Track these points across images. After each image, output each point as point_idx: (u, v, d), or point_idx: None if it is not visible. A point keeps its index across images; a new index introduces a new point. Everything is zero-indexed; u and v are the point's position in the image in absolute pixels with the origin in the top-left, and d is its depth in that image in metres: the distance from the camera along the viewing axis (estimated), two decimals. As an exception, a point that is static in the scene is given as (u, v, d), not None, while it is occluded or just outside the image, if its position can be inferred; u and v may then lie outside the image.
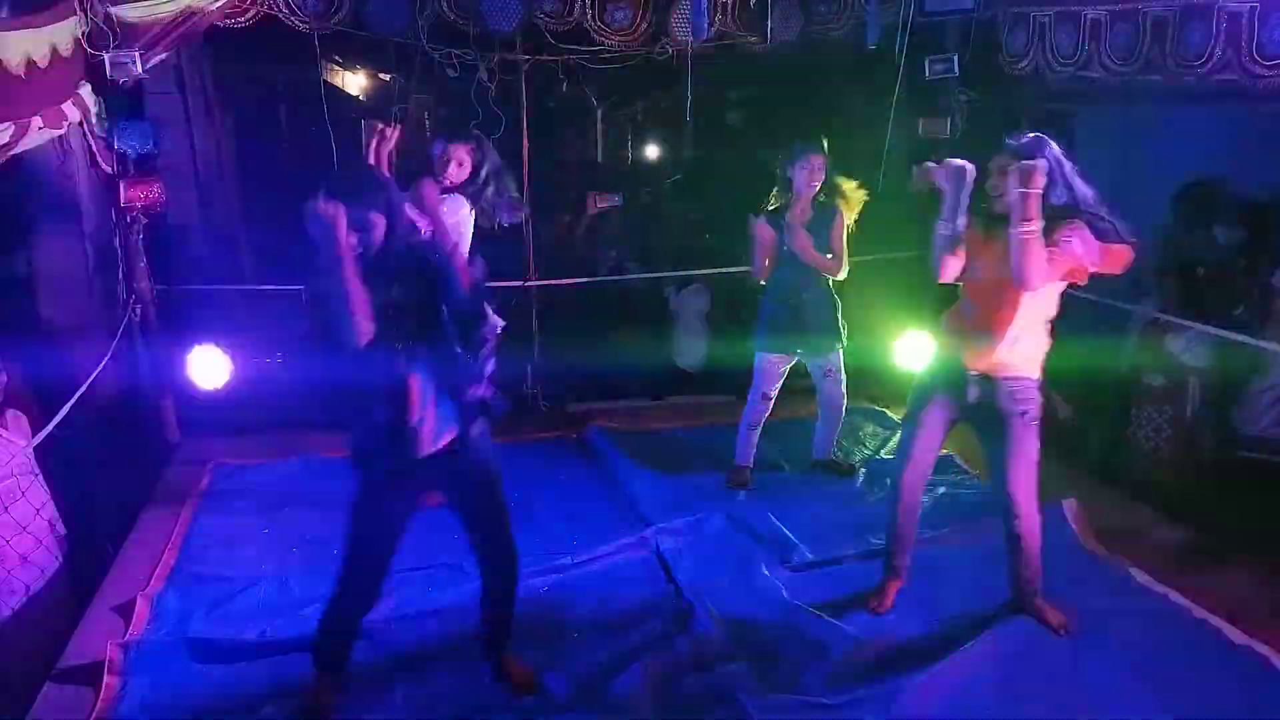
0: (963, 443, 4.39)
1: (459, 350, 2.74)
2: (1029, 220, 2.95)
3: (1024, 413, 3.19)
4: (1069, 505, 4.08)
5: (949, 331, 3.33)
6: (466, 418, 2.75)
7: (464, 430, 2.75)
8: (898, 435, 5.10)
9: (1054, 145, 3.08)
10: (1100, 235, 3.05)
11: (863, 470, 4.73)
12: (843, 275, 4.40)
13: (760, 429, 4.61)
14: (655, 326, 6.35)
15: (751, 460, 4.64)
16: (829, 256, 4.34)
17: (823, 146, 4.29)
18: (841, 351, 4.53)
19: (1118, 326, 5.39)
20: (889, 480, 3.66)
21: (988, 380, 3.20)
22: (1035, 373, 3.22)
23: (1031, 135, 3.09)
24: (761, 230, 4.39)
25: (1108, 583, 3.67)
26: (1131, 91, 4.75)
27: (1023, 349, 3.17)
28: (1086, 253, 3.04)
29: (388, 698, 3.04)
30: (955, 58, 5.19)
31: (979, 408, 3.25)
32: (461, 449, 2.76)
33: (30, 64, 3.34)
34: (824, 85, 6.53)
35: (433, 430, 2.70)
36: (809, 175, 4.25)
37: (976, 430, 3.40)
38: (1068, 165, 3.08)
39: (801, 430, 4.86)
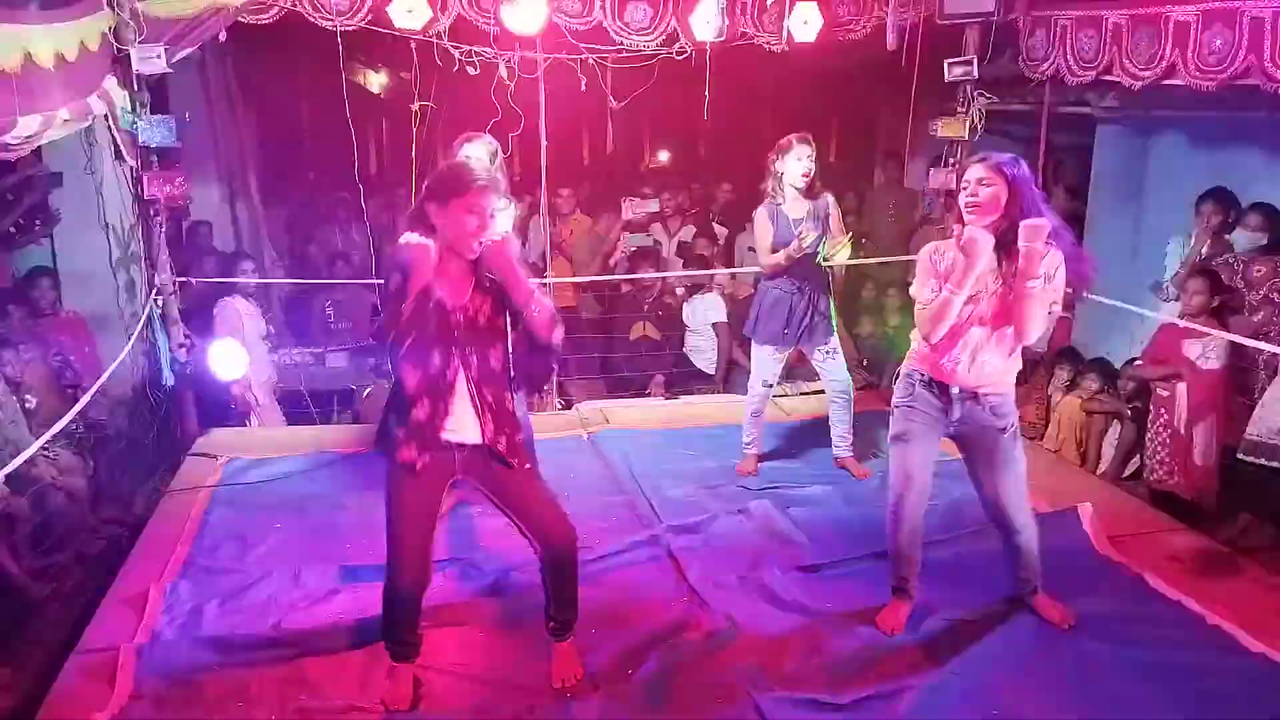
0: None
1: (513, 384, 2.82)
2: (1035, 276, 2.90)
3: (1006, 427, 3.16)
4: (1084, 510, 4.06)
5: (928, 351, 3.16)
6: (502, 438, 2.81)
7: (495, 445, 2.80)
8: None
9: (1024, 166, 3.01)
10: (1068, 258, 3.01)
11: (878, 474, 4.71)
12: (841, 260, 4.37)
13: (763, 415, 4.65)
14: (669, 325, 6.35)
15: (759, 448, 4.66)
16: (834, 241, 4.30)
17: (809, 139, 4.27)
18: (836, 334, 4.53)
19: (1134, 331, 5.37)
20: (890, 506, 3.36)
21: (972, 397, 3.15)
22: (1012, 387, 3.19)
23: (1009, 156, 3.00)
24: (761, 221, 4.33)
25: (1122, 588, 3.64)
26: (1152, 96, 4.73)
27: (1009, 365, 3.14)
28: (1065, 279, 3.02)
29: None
30: (975, 60, 5.17)
31: (963, 424, 3.20)
32: (491, 457, 2.82)
33: (59, 58, 3.39)
34: (843, 87, 6.53)
35: (463, 429, 2.77)
36: (800, 166, 4.22)
37: (962, 448, 3.32)
38: (1038, 193, 3.03)
39: (817, 430, 4.85)
